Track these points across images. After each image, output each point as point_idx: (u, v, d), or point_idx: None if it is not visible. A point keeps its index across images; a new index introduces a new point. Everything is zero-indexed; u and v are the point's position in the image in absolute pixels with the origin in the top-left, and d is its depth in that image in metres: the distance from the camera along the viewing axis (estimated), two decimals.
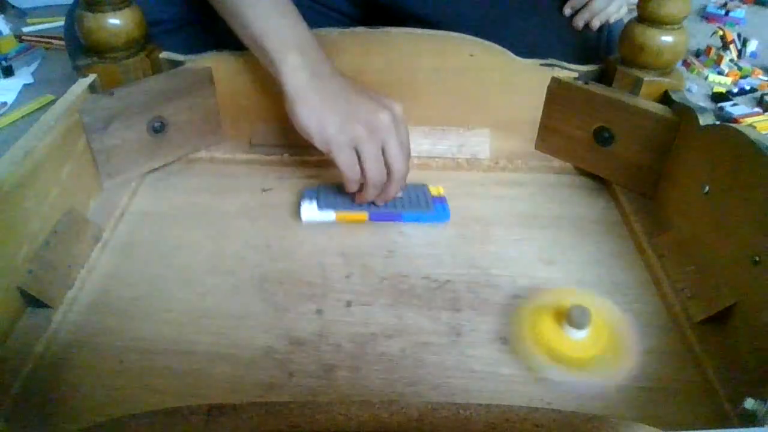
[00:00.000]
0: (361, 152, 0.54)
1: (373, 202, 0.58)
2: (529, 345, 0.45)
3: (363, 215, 0.58)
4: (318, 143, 0.55)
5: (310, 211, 0.58)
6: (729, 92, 1.08)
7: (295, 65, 0.55)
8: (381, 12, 0.77)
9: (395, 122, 0.54)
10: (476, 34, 0.63)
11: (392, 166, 0.55)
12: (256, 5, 0.57)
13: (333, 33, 0.63)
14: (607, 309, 0.48)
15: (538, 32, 0.74)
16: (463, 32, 0.63)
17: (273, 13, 0.57)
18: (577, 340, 0.45)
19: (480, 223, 0.59)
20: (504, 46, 0.63)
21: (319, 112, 0.54)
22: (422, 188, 0.61)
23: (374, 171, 0.55)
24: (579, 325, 0.45)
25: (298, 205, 0.59)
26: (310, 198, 0.59)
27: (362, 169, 0.55)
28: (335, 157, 0.55)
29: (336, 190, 0.60)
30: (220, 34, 0.71)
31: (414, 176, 0.62)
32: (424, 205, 0.59)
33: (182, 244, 0.56)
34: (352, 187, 0.57)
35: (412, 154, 0.66)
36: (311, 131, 0.55)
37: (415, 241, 0.56)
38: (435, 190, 0.61)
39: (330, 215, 0.58)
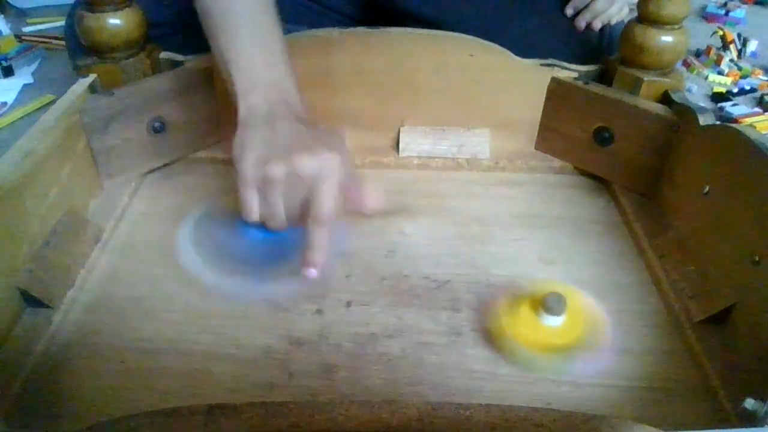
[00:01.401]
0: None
1: None
2: (508, 335, 0.45)
3: None
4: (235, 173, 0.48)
5: None
6: (729, 92, 1.08)
7: (253, 105, 0.50)
8: (381, 12, 0.77)
9: (328, 169, 0.46)
10: (476, 34, 0.63)
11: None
12: (234, 32, 0.51)
13: (333, 33, 0.63)
14: (580, 297, 0.48)
15: (539, 32, 0.74)
16: (464, 32, 0.63)
17: (250, 44, 0.51)
18: (555, 327, 0.45)
19: (480, 223, 0.59)
20: (504, 46, 0.63)
21: (247, 143, 0.47)
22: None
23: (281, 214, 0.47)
24: (555, 312, 0.45)
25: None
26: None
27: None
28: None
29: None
30: None
31: (414, 176, 0.62)
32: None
33: None
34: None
35: (413, 154, 0.67)
36: (233, 160, 0.48)
37: (415, 241, 0.56)
38: None
39: None
